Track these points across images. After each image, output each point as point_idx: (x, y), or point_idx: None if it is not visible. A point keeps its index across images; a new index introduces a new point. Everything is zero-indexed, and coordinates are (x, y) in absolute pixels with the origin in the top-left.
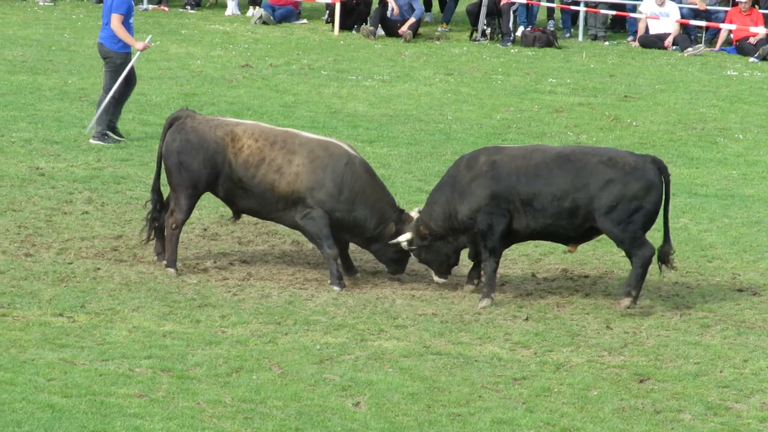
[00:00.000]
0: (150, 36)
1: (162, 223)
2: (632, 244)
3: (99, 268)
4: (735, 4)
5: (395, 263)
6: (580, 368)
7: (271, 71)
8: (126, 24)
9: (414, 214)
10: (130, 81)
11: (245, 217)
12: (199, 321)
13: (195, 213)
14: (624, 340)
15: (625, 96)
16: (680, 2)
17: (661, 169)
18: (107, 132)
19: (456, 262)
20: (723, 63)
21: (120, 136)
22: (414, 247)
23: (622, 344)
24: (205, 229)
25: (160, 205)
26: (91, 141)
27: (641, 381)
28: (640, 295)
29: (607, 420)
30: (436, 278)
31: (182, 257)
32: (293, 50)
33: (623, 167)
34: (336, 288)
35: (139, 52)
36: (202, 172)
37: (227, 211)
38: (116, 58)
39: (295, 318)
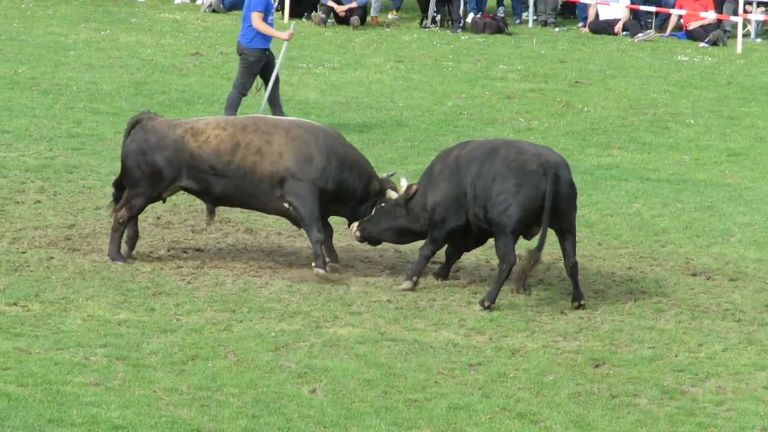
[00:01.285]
0: (293, 23)
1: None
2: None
3: (52, 257)
4: None
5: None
6: (536, 353)
7: (222, 59)
8: (265, 21)
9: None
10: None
11: (198, 205)
12: (154, 309)
13: None
14: (578, 326)
15: (576, 82)
16: None
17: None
18: None
19: (382, 240)
20: (673, 48)
21: None
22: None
23: (576, 329)
24: (158, 218)
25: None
26: None
27: (596, 366)
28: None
29: (564, 405)
30: (352, 227)
31: (136, 245)
32: None
33: (517, 166)
34: (320, 271)
35: (286, 43)
36: (161, 171)
37: (180, 199)
38: (249, 54)
39: (250, 305)
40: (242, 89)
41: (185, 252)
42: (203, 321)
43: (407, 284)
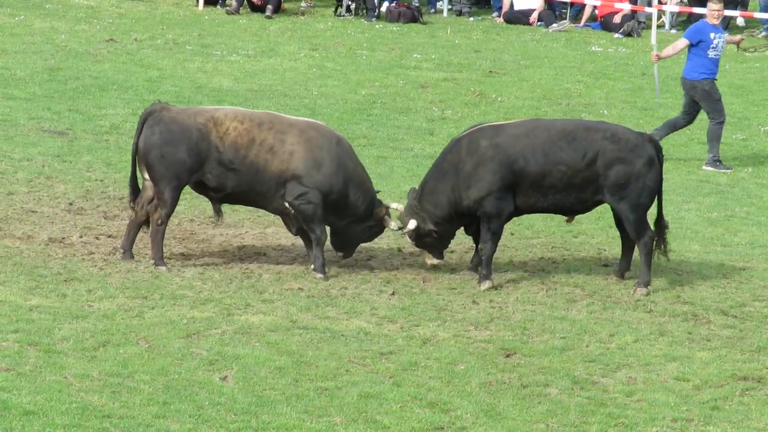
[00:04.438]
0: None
1: (137, 218)
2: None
3: None
4: None
5: (359, 243)
6: (447, 343)
7: (136, 46)
8: (701, 54)
9: (396, 206)
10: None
11: (111, 191)
12: (66, 295)
13: (60, 188)
14: (490, 315)
15: (490, 72)
16: None
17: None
18: (719, 159)
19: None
20: (587, 39)
21: (727, 167)
22: (411, 232)
23: (488, 319)
24: (70, 204)
25: (135, 196)
26: (704, 168)
27: (507, 355)
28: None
29: (474, 394)
30: (430, 261)
31: (48, 231)
32: (158, 25)
33: (626, 143)
34: (319, 275)
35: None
36: (187, 161)
37: (92, 186)
38: (699, 86)
39: (162, 292)
40: (719, 116)
41: (98, 238)
42: (115, 307)
43: (488, 284)
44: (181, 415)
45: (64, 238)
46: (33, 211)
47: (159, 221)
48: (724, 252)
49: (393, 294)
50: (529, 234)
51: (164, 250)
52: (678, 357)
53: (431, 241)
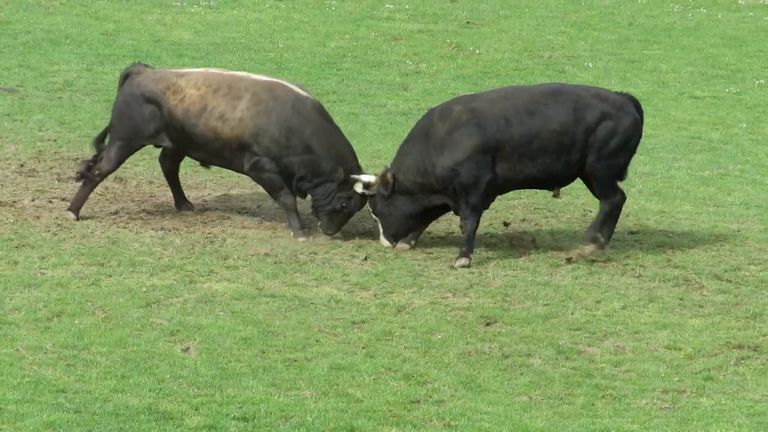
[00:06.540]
0: None
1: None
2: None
3: None
4: None
5: (335, 214)
6: (423, 310)
7: None
8: None
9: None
10: None
11: (65, 151)
12: (17, 262)
13: (11, 148)
14: (469, 281)
15: (468, 22)
16: None
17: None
18: None
19: (411, 230)
20: None
21: None
22: (371, 193)
23: (467, 285)
24: (21, 165)
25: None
26: None
27: (488, 324)
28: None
29: (452, 365)
30: (381, 238)
31: None
32: None
33: (613, 103)
34: (301, 238)
35: None
36: (140, 125)
37: (44, 146)
38: None
39: (120, 259)
40: None
41: (50, 202)
42: (69, 275)
43: (464, 261)
44: (141, 389)
45: (15, 201)
46: None
47: (96, 173)
48: (717, 212)
49: (366, 259)
50: (510, 194)
51: (123, 214)
52: (669, 324)
53: (385, 209)
